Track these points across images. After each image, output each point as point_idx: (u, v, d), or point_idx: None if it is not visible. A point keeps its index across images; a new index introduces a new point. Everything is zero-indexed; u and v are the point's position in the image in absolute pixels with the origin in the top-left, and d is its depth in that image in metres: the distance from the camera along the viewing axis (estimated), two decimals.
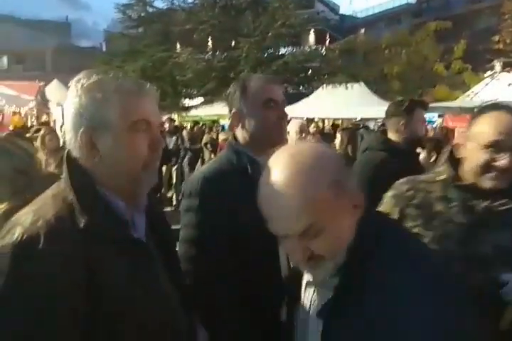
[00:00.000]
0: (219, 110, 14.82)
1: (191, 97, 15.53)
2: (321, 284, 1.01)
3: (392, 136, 2.76)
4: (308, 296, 1.06)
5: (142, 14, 14.52)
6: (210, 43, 15.06)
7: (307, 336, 1.03)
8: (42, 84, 12.53)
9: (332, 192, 0.88)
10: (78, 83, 0.99)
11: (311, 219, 0.87)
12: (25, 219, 0.90)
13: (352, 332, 0.87)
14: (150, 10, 14.69)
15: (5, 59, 26.01)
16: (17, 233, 0.87)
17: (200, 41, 14.52)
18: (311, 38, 19.33)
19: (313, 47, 14.72)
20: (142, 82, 1.07)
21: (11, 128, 7.48)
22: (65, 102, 1.00)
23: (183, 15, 13.74)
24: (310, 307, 1.04)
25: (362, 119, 14.65)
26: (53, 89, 14.32)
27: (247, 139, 1.62)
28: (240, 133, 1.64)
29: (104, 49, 20.10)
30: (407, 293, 0.83)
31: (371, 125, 13.27)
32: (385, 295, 0.85)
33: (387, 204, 1.70)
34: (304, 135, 4.27)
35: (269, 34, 12.77)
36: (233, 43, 13.82)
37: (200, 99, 15.49)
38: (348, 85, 12.74)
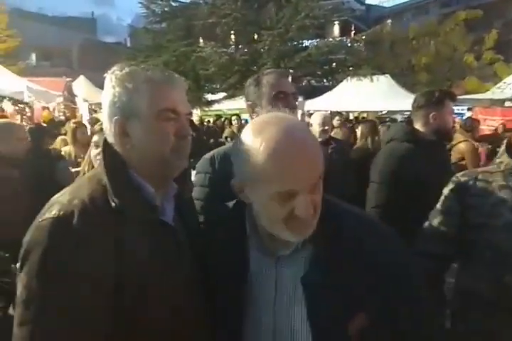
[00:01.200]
0: (241, 104, 14.80)
1: (214, 92, 15.56)
2: (289, 256, 1.05)
3: (419, 127, 2.64)
4: (265, 278, 1.07)
5: (166, 9, 14.56)
6: (232, 37, 15.02)
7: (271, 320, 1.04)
8: (69, 80, 12.80)
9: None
10: (112, 74, 1.06)
11: (320, 170, 0.95)
12: (63, 198, 1.00)
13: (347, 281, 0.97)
14: (173, 4, 14.72)
15: (33, 56, 26.71)
16: (55, 210, 0.95)
17: (222, 35, 14.49)
18: (336, 29, 19.00)
19: (338, 39, 14.44)
20: (171, 73, 1.11)
21: (40, 121, 7.72)
22: (103, 93, 1.08)
23: (205, 9, 13.69)
24: (274, 285, 1.06)
25: (388, 112, 14.31)
26: (80, 85, 14.63)
27: None
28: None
29: (128, 44, 20.37)
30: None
31: (398, 118, 12.94)
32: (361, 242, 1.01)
33: (447, 199, 1.69)
34: (326, 128, 4.17)
35: (293, 26, 12.58)
36: (256, 36, 13.72)
37: (223, 94, 15.51)
38: (374, 77, 12.43)
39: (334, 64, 14.42)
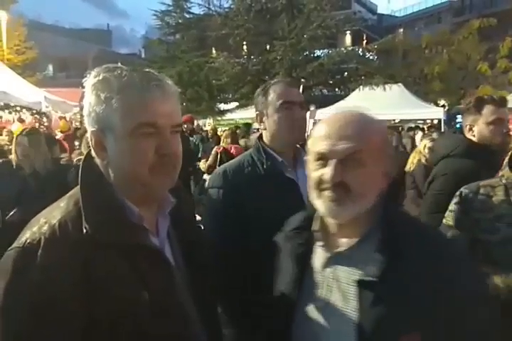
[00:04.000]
0: (253, 114, 14.80)
1: (226, 101, 15.70)
2: (348, 254, 1.01)
3: (475, 138, 2.31)
4: (321, 276, 1.05)
5: (180, 21, 14.82)
6: (245, 47, 15.19)
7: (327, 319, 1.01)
8: (84, 90, 13.04)
9: (382, 143, 1.02)
10: (88, 81, 0.95)
11: (360, 146, 0.97)
12: (35, 224, 0.91)
13: (409, 296, 0.92)
14: (187, 16, 14.98)
15: (50, 67, 27.38)
16: (24, 237, 0.88)
17: (235, 46, 14.68)
18: (348, 38, 19.06)
19: (350, 49, 14.48)
20: (154, 78, 0.95)
21: (58, 131, 7.89)
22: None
23: (218, 21, 13.89)
24: (329, 286, 1.03)
25: (401, 121, 14.21)
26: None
27: (268, 138, 1.74)
28: (264, 133, 1.76)
29: (143, 55, 20.73)
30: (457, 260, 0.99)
31: (408, 127, 12.85)
32: (441, 260, 0.95)
33: (454, 213, 1.67)
34: None
35: (304, 36, 12.68)
36: (268, 47, 13.86)
37: (236, 103, 15.63)
38: (387, 86, 12.41)
39: (346, 73, 14.45)
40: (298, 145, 1.73)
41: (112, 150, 0.93)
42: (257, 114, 1.75)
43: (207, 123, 15.81)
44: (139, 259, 0.93)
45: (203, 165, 6.84)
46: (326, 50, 14.53)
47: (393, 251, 0.95)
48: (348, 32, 14.59)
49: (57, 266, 0.84)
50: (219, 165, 5.39)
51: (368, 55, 14.26)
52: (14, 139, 3.46)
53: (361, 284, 0.95)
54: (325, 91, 14.93)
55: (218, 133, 12.89)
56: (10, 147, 6.35)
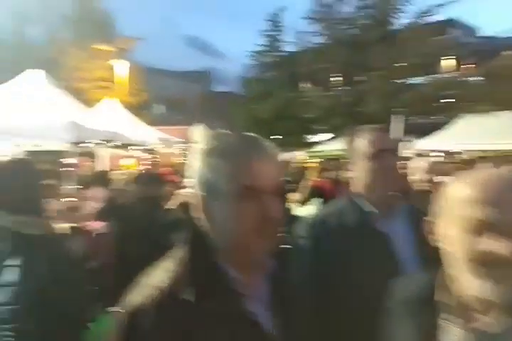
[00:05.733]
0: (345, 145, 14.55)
1: (317, 133, 15.78)
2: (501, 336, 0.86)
3: None
4: None
5: (274, 59, 15.63)
6: (336, 80, 15.33)
7: None
8: (189, 127, 14.29)
9: None
10: (197, 146, 1.01)
11: None
12: (142, 286, 0.96)
13: None
14: (281, 54, 15.74)
15: (159, 106, 30.68)
16: (130, 300, 0.92)
17: (327, 79, 14.91)
18: (446, 64, 18.03)
19: (449, 75, 13.68)
20: (256, 142, 0.99)
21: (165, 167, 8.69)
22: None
23: (311, 56, 14.30)
24: None
25: None
26: (197, 132, 16.13)
27: (359, 187, 1.64)
28: (354, 181, 1.67)
29: (239, 92, 22.10)
30: None
31: None
32: None
33: None
34: (434, 176, 3.58)
35: (400, 65, 12.37)
36: (360, 78, 13.78)
37: (327, 135, 15.62)
38: (495, 113, 11.32)
39: (446, 100, 13.59)
40: (393, 194, 1.61)
41: (217, 214, 0.97)
42: (346, 161, 1.68)
43: (296, 156, 15.99)
44: (239, 328, 0.93)
45: (294, 198, 6.83)
46: (422, 77, 13.93)
47: None
48: (446, 57, 13.78)
49: (161, 331, 0.88)
50: (309, 200, 5.31)
51: (471, 80, 13.29)
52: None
53: None
54: (422, 120, 14.14)
55: (307, 165, 12.95)
56: (124, 180, 7.15)
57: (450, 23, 18.79)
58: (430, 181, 3.36)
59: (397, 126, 9.51)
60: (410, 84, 13.46)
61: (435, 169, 3.48)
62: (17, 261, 1.78)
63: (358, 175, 1.62)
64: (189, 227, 1.03)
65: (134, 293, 0.95)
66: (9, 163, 2.06)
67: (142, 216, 3.33)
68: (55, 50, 20.62)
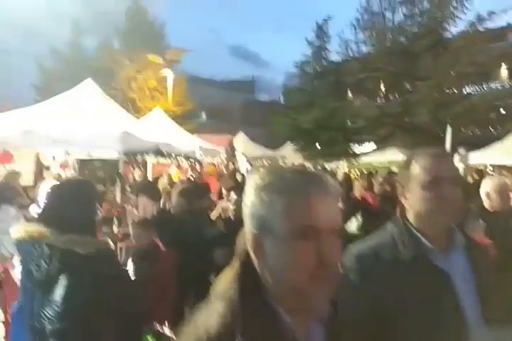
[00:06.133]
0: (391, 157, 14.20)
1: (361, 143, 15.41)
2: None
3: None
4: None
5: (318, 69, 15.51)
6: (383, 89, 14.93)
7: None
8: (230, 136, 14.46)
9: None
10: (252, 180, 0.97)
11: None
12: (192, 332, 0.93)
13: None
14: (325, 64, 15.60)
15: (204, 115, 31.42)
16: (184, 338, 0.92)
17: (372, 88, 14.56)
18: (503, 73, 17.05)
19: (507, 84, 12.91)
20: (316, 179, 0.94)
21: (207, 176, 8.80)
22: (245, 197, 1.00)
23: (356, 65, 14.06)
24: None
25: None
26: (239, 141, 16.38)
27: (413, 217, 1.50)
28: (407, 209, 1.52)
29: (282, 102, 22.13)
30: None
31: None
32: None
33: None
34: (505, 197, 3.25)
35: (451, 74, 11.83)
36: (409, 87, 13.32)
37: (371, 145, 15.21)
38: None
39: (503, 111, 12.81)
40: (451, 227, 1.45)
41: (270, 252, 0.93)
42: (399, 187, 1.55)
43: (339, 166, 15.66)
44: None
45: None
46: (476, 87, 13.26)
47: None
48: (504, 65, 13.02)
49: None
50: (353, 215, 5.10)
51: None
52: (176, 193, 3.81)
53: None
54: (477, 131, 13.42)
55: (351, 176, 12.60)
56: (169, 189, 7.29)
57: (510, 28, 17.76)
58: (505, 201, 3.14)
59: (448, 138, 9.06)
60: (463, 94, 12.84)
61: (505, 190, 3.20)
62: (64, 280, 1.80)
63: (413, 203, 1.48)
64: (241, 264, 0.97)
65: (185, 336, 0.91)
66: (68, 183, 2.11)
67: (191, 231, 3.35)
68: (108, 60, 21.78)
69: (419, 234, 1.44)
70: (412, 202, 1.47)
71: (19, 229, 1.91)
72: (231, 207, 3.95)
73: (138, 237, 2.73)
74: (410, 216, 1.49)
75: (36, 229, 1.84)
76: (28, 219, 2.66)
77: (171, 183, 7.57)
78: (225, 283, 1.09)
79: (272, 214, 0.91)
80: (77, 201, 1.93)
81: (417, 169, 1.45)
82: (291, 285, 0.90)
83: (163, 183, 7.44)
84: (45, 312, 1.81)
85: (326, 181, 0.94)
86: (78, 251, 1.83)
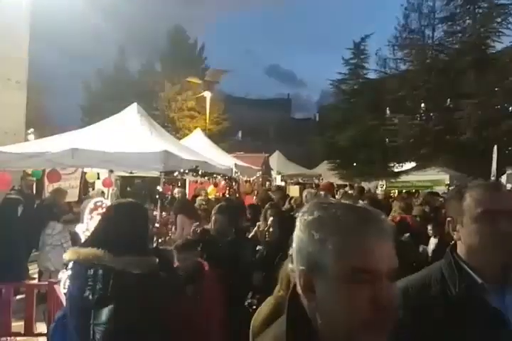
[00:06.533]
0: (432, 176, 13.69)
1: (401, 162, 14.99)
2: None
3: None
4: None
5: (355, 87, 15.40)
6: (423, 107, 14.55)
7: None
8: (266, 155, 14.53)
9: None
10: (302, 217, 0.91)
11: None
12: None
13: None
14: (362, 81, 15.48)
15: (239, 133, 31.84)
16: None
17: (412, 106, 14.24)
18: None
19: None
20: (370, 217, 0.88)
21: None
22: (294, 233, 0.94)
23: (395, 83, 13.84)
24: None
25: None
26: (275, 159, 16.44)
27: (464, 252, 1.40)
28: (458, 244, 1.42)
29: (317, 120, 22.10)
30: None
31: None
32: None
33: None
34: None
35: (497, 91, 11.38)
36: (451, 105, 12.91)
37: (410, 164, 14.75)
38: None
39: None
40: (507, 264, 1.34)
41: (321, 292, 0.87)
42: (449, 221, 1.46)
43: (379, 186, 15.25)
44: None
45: None
46: None
47: None
48: None
49: None
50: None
51: None
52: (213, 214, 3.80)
53: None
54: None
55: (391, 196, 12.20)
56: (205, 207, 7.39)
57: None
58: None
59: (494, 157, 8.63)
60: (510, 111, 12.30)
61: None
62: (113, 301, 1.83)
63: (464, 238, 1.39)
64: (290, 306, 0.92)
65: None
66: (122, 206, 2.16)
67: (231, 252, 3.32)
68: (151, 83, 22.75)
69: (468, 268, 1.35)
70: (463, 235, 1.39)
71: (74, 252, 1.98)
72: (270, 229, 3.89)
73: (184, 260, 2.72)
74: (462, 251, 1.40)
75: (92, 251, 1.90)
76: (80, 242, 2.73)
77: (207, 200, 7.68)
78: (266, 319, 1.04)
79: (323, 253, 0.85)
80: (134, 224, 1.99)
81: (468, 201, 1.38)
82: (343, 328, 0.83)
83: (199, 200, 7.56)
84: (93, 332, 1.85)
85: (381, 219, 0.88)
86: (132, 272, 1.87)
